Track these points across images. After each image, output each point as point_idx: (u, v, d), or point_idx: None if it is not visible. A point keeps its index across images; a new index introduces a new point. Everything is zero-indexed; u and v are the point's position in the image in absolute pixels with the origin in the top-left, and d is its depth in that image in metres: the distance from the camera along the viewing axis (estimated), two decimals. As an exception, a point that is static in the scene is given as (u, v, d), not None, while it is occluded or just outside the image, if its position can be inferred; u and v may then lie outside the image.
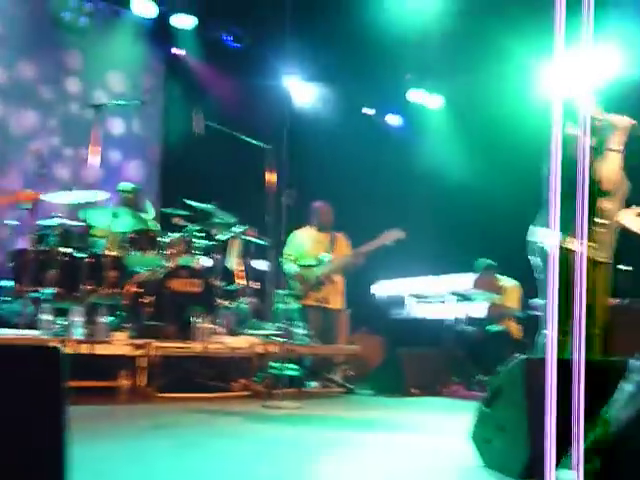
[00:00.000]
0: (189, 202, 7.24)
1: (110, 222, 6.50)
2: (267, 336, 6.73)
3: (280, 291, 7.36)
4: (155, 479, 2.98)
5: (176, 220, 7.16)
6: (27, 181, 7.70)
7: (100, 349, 5.42)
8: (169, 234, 6.87)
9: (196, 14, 8.95)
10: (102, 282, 6.22)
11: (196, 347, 6.00)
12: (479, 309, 7.86)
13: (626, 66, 8.04)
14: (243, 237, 7.56)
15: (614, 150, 4.13)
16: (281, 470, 3.20)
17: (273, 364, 6.39)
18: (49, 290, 6.01)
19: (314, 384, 7.21)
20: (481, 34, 8.65)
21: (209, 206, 7.19)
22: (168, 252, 6.69)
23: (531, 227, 4.34)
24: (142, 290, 6.39)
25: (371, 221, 8.10)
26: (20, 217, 6.57)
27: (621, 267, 9.53)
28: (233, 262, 7.58)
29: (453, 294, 7.80)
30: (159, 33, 9.33)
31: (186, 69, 9.42)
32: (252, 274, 7.61)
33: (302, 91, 10.33)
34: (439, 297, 8.07)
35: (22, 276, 6.05)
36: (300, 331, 7.09)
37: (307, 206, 7.78)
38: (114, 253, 6.54)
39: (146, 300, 6.31)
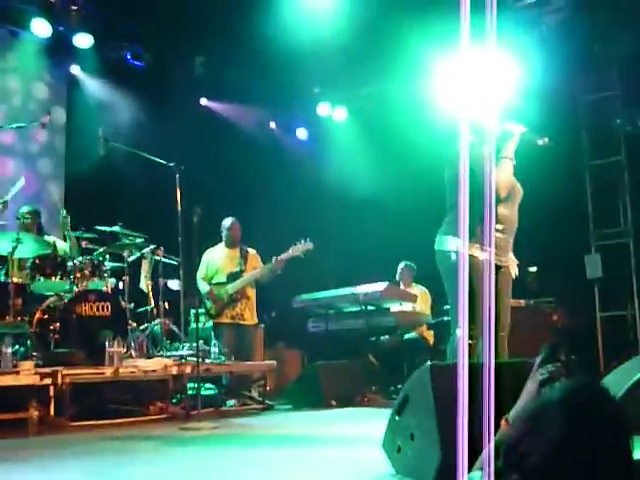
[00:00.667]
0: (96, 224, 7.11)
1: (12, 248, 6.28)
2: (182, 357, 6.64)
3: (194, 310, 7.29)
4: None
5: (84, 243, 6.99)
6: None
7: (6, 380, 5.23)
8: (77, 257, 6.71)
9: (96, 33, 8.78)
10: (7, 310, 6.02)
11: (107, 372, 5.85)
12: (391, 317, 7.94)
13: (520, 76, 8.29)
14: (153, 257, 7.45)
15: (508, 158, 4.25)
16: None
17: (189, 385, 6.31)
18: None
19: (232, 402, 7.13)
20: (384, 45, 8.80)
21: (117, 227, 7.06)
22: (76, 276, 6.53)
23: (437, 235, 4.41)
24: (49, 317, 6.22)
25: (282, 236, 8.12)
26: None
27: (529, 269, 9.88)
28: (144, 283, 7.46)
29: (365, 303, 7.86)
30: (59, 53, 9.11)
31: (88, 88, 9.22)
32: (165, 294, 7.50)
33: (210, 108, 10.26)
34: (352, 307, 8.11)
35: None
36: (215, 350, 7.02)
37: (216, 224, 7.73)
38: (18, 280, 6.34)
39: (54, 327, 6.15)
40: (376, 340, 8.24)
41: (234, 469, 3.75)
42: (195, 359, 6.14)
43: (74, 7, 8.51)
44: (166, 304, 7.34)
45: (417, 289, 8.53)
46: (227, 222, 7.77)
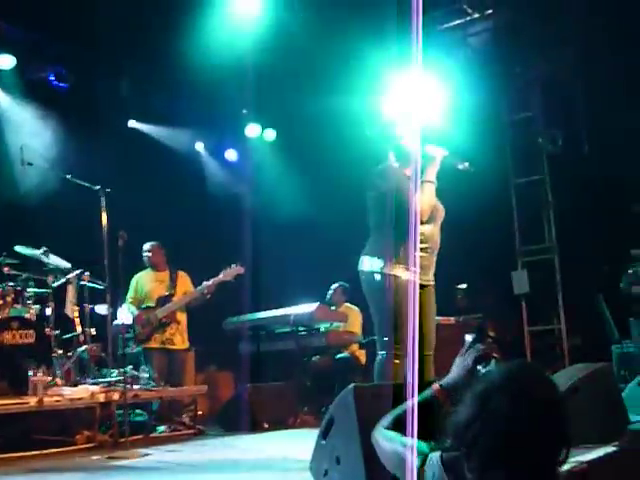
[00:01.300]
0: (19, 249, 6.93)
1: None
2: (110, 383, 6.50)
3: (123, 335, 7.16)
4: None
5: (5, 269, 6.80)
6: None
7: None
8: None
9: (18, 54, 8.59)
10: None
11: (31, 402, 5.69)
12: (322, 338, 7.94)
13: (445, 97, 8.43)
14: (79, 282, 7.29)
15: (429, 182, 4.31)
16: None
17: (118, 412, 6.17)
18: None
19: (162, 428, 7.01)
20: (311, 65, 8.87)
21: (40, 252, 6.89)
22: (-3, 303, 6.36)
23: (361, 256, 4.43)
24: (-31, 346, 6.03)
25: (211, 259, 8.07)
26: None
27: (458, 286, 10.03)
28: (70, 309, 7.29)
29: (297, 324, 7.84)
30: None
31: (9, 110, 9.00)
32: (92, 319, 7.34)
33: (137, 131, 10.14)
34: (284, 329, 8.09)
35: None
36: (145, 375, 6.91)
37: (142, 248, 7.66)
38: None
39: (-26, 356, 5.96)
40: (308, 360, 8.22)
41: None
42: (123, 385, 6.02)
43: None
44: (93, 330, 7.17)
45: (349, 309, 8.55)
46: (147, 246, 7.71)
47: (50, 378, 6.16)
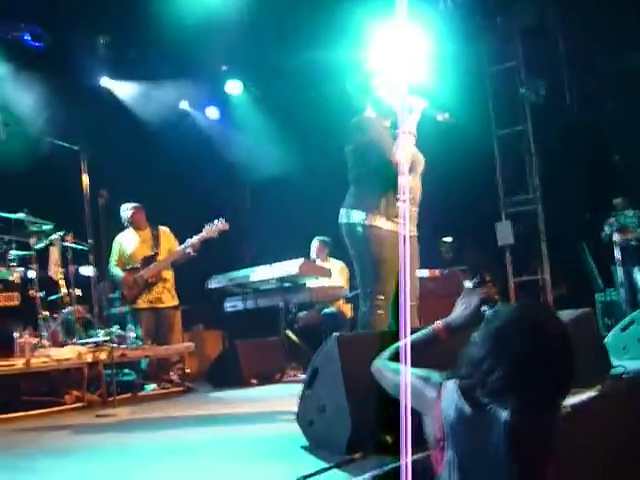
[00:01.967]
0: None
1: None
2: (96, 343, 6.52)
3: (110, 296, 7.18)
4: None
5: (-13, 232, 6.75)
6: None
7: None
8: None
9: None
10: None
11: (19, 364, 5.70)
12: (308, 293, 7.96)
13: (426, 50, 8.39)
14: (62, 243, 7.25)
15: (409, 133, 4.27)
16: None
17: (106, 372, 6.20)
18: None
19: (151, 387, 7.06)
20: (290, 18, 8.76)
21: (22, 214, 6.84)
22: (-20, 267, 6.33)
23: (342, 209, 4.41)
24: (-46, 310, 6.02)
25: (194, 218, 8.05)
26: None
27: (443, 239, 10.06)
28: (54, 270, 7.26)
29: (282, 280, 7.85)
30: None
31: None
32: (77, 281, 7.31)
33: (116, 90, 10.00)
34: (270, 285, 8.10)
35: None
36: (132, 335, 6.92)
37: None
38: None
39: (-41, 320, 5.96)
40: (294, 316, 8.26)
41: (151, 452, 3.70)
42: (110, 345, 6.04)
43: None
44: (78, 291, 7.16)
45: (334, 263, 8.56)
46: (126, 206, 7.66)
47: (37, 339, 6.16)
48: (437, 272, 8.47)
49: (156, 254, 7.55)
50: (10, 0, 8.39)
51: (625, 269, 8.88)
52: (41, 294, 6.67)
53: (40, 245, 7.02)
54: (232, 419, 4.89)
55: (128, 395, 6.51)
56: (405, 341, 2.25)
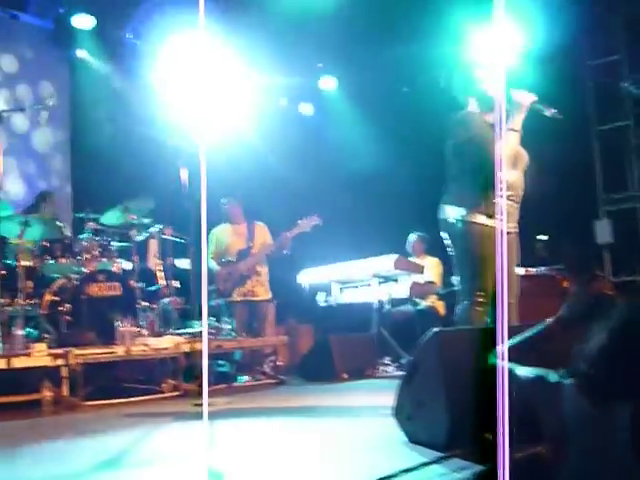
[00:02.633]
0: (103, 205, 7.11)
1: (20, 231, 6.29)
2: (193, 334, 6.67)
3: (212, 287, 7.33)
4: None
5: (91, 224, 6.99)
6: None
7: (19, 362, 5.26)
8: (84, 239, 6.73)
9: (96, 13, 8.72)
10: (17, 293, 6.04)
11: (119, 351, 5.88)
12: (403, 289, 7.93)
13: (530, 42, 8.22)
14: (161, 236, 7.45)
15: (514, 130, 4.19)
16: (212, 467, 3.16)
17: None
18: (-39, 306, 5.81)
19: (245, 378, 7.18)
20: (385, 14, 8.72)
21: (124, 207, 7.05)
22: (84, 257, 6.56)
23: (441, 205, 4.37)
24: (59, 298, 6.25)
25: (289, 211, 8.13)
26: None
27: (538, 237, 9.85)
28: (152, 262, 7.47)
29: (376, 276, 7.84)
30: (60, 35, 9.08)
31: (90, 70, 9.17)
32: (175, 272, 7.50)
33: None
34: (363, 281, 8.10)
35: None
36: (227, 326, 7.05)
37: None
38: (28, 263, 6.36)
39: (64, 308, 6.17)
40: (387, 312, 8.23)
41: (249, 442, 3.76)
42: (208, 336, 6.16)
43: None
44: (176, 282, 7.34)
45: (428, 260, 8.51)
46: (223, 201, 7.82)
47: (136, 329, 6.33)
48: (532, 271, 8.29)
49: (250, 248, 7.67)
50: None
51: None
52: (141, 285, 6.86)
53: (140, 238, 7.24)
54: (326, 412, 4.93)
55: (222, 386, 6.62)
56: (519, 338, 2.22)
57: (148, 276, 7.27)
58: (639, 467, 1.77)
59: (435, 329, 3.09)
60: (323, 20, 8.64)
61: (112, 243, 6.89)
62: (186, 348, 6.27)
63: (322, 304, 8.64)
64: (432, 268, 8.36)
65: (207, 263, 7.65)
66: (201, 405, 5.30)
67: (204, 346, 5.89)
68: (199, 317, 7.15)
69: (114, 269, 6.72)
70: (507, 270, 4.24)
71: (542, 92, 4.66)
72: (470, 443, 2.83)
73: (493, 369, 2.44)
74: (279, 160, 9.56)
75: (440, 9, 8.23)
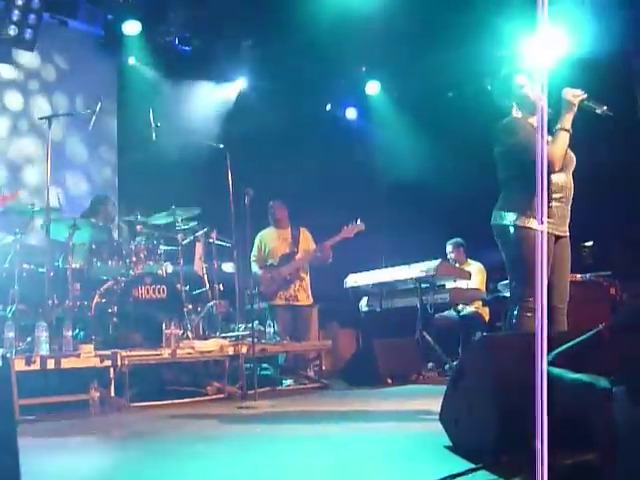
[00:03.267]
0: (150, 208, 7.20)
1: (70, 234, 6.41)
2: (237, 337, 6.71)
3: (249, 291, 7.36)
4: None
5: (138, 227, 7.08)
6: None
7: (67, 363, 5.35)
8: (131, 242, 6.82)
9: (144, 20, 8.85)
10: (66, 295, 6.15)
11: (165, 354, 5.93)
12: (445, 294, 7.88)
13: (574, 46, 8.13)
14: (207, 240, 7.52)
15: (565, 129, 4.14)
16: (259, 469, 3.18)
17: (246, 365, 6.36)
18: (12, 307, 5.92)
19: (288, 382, 7.19)
20: (430, 20, 8.70)
21: (169, 211, 7.14)
22: (131, 260, 6.64)
23: (494, 211, 4.34)
24: (107, 300, 6.34)
25: (334, 215, 8.14)
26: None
27: (584, 244, 9.70)
28: (198, 265, 7.54)
29: (420, 281, 7.81)
30: (108, 41, 9.23)
31: (137, 76, 9.31)
32: (219, 276, 7.57)
33: (256, 91, 10.25)
34: (407, 286, 8.07)
35: (-17, 295, 5.95)
36: (270, 330, 7.08)
37: (267, 206, 7.80)
38: (76, 265, 6.47)
39: (112, 310, 6.26)
40: (431, 317, 8.19)
41: (293, 445, 3.77)
42: (251, 340, 6.18)
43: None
44: (221, 286, 7.40)
45: (472, 265, 8.45)
46: (271, 204, 7.88)
47: (182, 331, 6.39)
48: (578, 277, 8.18)
49: (295, 253, 7.70)
50: (162, 6, 8.77)
51: None
52: (186, 288, 6.92)
53: (186, 241, 7.31)
54: (372, 416, 4.92)
55: (266, 389, 6.64)
56: (569, 344, 2.19)
57: (194, 279, 7.34)
58: None
59: (483, 334, 3.07)
60: (367, 24, 8.65)
61: (159, 246, 6.96)
62: (230, 351, 6.31)
63: (365, 309, 8.63)
64: (475, 273, 8.29)
65: (250, 265, 7.70)
66: (245, 408, 5.35)
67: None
68: (243, 320, 7.20)
69: (160, 272, 6.79)
70: (557, 275, 4.20)
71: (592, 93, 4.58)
72: (518, 449, 2.80)
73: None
74: (323, 164, 9.59)
75: (485, 13, 8.19)
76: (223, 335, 6.87)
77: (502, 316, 8.04)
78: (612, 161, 8.47)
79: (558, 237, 4.24)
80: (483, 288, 8.32)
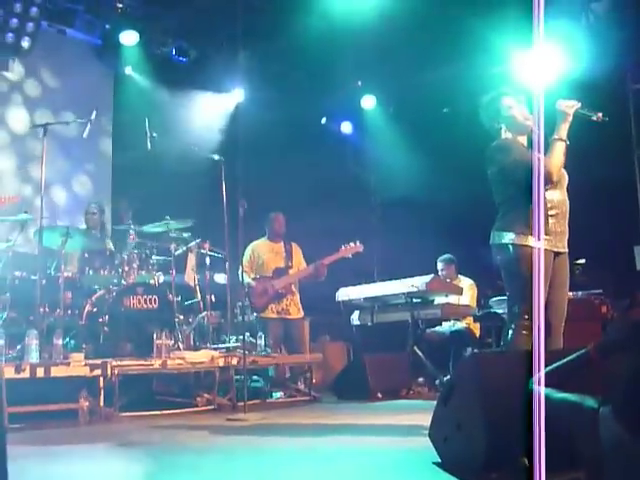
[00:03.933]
0: (143, 218, 7.20)
1: (63, 242, 6.40)
2: (228, 349, 6.70)
3: (240, 303, 7.35)
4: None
5: (131, 237, 7.07)
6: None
7: (57, 371, 5.32)
8: (124, 251, 6.82)
9: (141, 30, 8.88)
10: (57, 303, 6.13)
11: (156, 364, 5.92)
12: (437, 310, 7.89)
13: (569, 62, 8.20)
14: (199, 250, 7.52)
15: (561, 140, 4.17)
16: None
17: (236, 377, 6.36)
18: (2, 315, 5.91)
19: (278, 394, 7.19)
20: (426, 36, 8.74)
21: (163, 221, 7.14)
22: (123, 270, 6.64)
23: (492, 231, 4.36)
24: (98, 310, 6.33)
25: (328, 229, 8.16)
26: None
27: (576, 261, 9.73)
28: (190, 276, 7.53)
29: (411, 296, 7.82)
30: (105, 51, 9.26)
31: (134, 85, 9.33)
32: (211, 287, 7.56)
33: (253, 102, 10.27)
34: (398, 300, 8.08)
35: (-26, 303, 5.93)
36: (261, 342, 7.06)
37: (260, 218, 7.79)
38: (68, 274, 6.47)
39: (102, 319, 6.25)
40: (421, 332, 8.19)
41: (282, 458, 3.77)
42: (242, 351, 6.17)
43: (119, 5, 8.62)
44: (212, 297, 7.39)
45: (463, 281, 8.45)
46: (272, 215, 7.87)
47: (173, 342, 6.38)
48: (570, 295, 8.19)
49: (289, 267, 7.71)
50: (159, 16, 8.80)
51: None
52: (178, 298, 6.92)
53: (179, 251, 7.31)
54: (360, 430, 4.91)
55: (256, 401, 6.64)
56: (557, 364, 2.21)
57: (185, 290, 7.34)
58: None
59: (474, 350, 3.08)
60: (363, 39, 8.69)
61: (151, 256, 6.95)
62: (221, 363, 6.30)
63: (357, 322, 8.63)
64: (467, 290, 8.30)
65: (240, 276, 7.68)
66: (234, 420, 5.35)
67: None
68: (234, 332, 7.19)
69: (152, 282, 6.78)
70: (556, 292, 4.21)
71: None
72: (507, 467, 2.81)
73: (531, 393, 2.44)
74: (318, 178, 9.60)
75: (481, 29, 8.24)
76: (214, 346, 6.86)
77: (493, 332, 8.08)
78: (605, 177, 8.51)
79: (557, 253, 4.26)
80: (474, 304, 8.32)
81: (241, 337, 6.46)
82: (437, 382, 7.50)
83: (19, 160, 8.66)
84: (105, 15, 8.87)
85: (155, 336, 6.12)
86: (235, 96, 10.07)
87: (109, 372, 5.51)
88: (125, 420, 5.43)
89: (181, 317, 6.84)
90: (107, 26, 9.02)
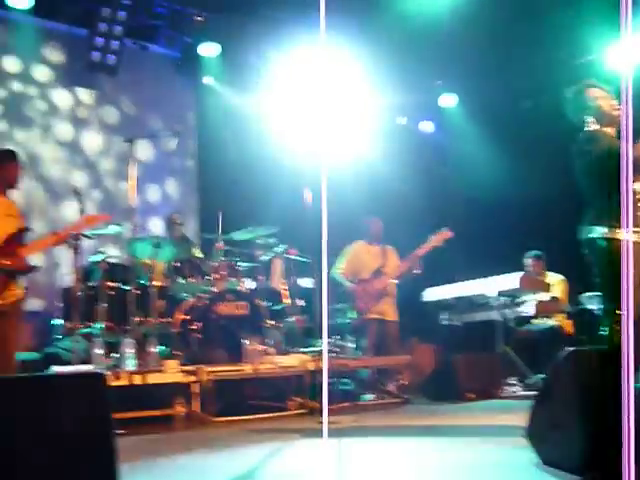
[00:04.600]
0: (230, 226, 7.32)
1: (153, 252, 6.58)
2: (318, 352, 6.74)
3: (337, 306, 7.38)
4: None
5: (218, 245, 7.19)
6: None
7: (153, 378, 5.48)
8: (213, 259, 6.95)
9: (221, 41, 9.02)
10: (150, 312, 6.30)
11: (248, 369, 6.02)
12: (528, 307, 7.76)
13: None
14: (285, 256, 7.59)
15: None
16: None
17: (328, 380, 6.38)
18: (99, 325, 6.11)
19: (369, 397, 7.18)
20: (507, 27, 8.60)
21: (250, 228, 7.25)
22: (213, 277, 6.76)
23: (583, 225, 4.27)
24: (190, 317, 6.46)
25: (413, 229, 8.12)
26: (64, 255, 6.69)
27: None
28: (277, 282, 7.61)
29: (501, 295, 7.70)
30: (186, 63, 9.45)
31: (215, 96, 9.48)
32: (299, 291, 7.63)
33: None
34: (488, 299, 7.96)
35: (72, 313, 6.12)
36: (351, 345, 7.08)
37: (348, 222, 7.80)
38: (160, 283, 6.63)
39: (195, 326, 6.38)
40: (512, 331, 8.05)
41: (377, 460, 3.78)
42: (332, 354, 6.20)
43: (199, 18, 8.79)
44: (301, 301, 7.46)
45: (553, 278, 8.27)
46: (370, 220, 7.92)
47: (263, 347, 6.46)
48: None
49: (385, 268, 7.69)
50: (239, 26, 8.93)
51: None
52: (266, 304, 7.00)
53: (265, 258, 7.41)
54: (455, 431, 4.88)
55: (347, 404, 6.65)
56: None
57: (273, 295, 7.42)
58: None
59: (570, 348, 3.02)
60: (442, 37, 8.62)
61: (239, 263, 7.06)
62: (311, 366, 6.34)
63: (444, 323, 8.55)
64: (557, 286, 8.12)
65: (336, 277, 7.69)
66: (329, 423, 5.36)
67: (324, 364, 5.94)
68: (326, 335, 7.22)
69: (241, 288, 6.88)
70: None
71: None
72: (607, 466, 2.74)
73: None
74: (400, 178, 9.56)
75: (562, 19, 8.06)
76: (303, 350, 6.92)
77: (586, 329, 7.87)
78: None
79: None
80: (565, 300, 8.14)
81: (332, 340, 6.49)
82: (529, 381, 7.37)
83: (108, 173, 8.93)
84: (185, 29, 9.06)
85: (246, 341, 6.22)
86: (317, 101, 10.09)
87: (203, 378, 5.63)
88: (220, 425, 5.51)
89: (270, 322, 6.90)
90: (188, 39, 9.20)
